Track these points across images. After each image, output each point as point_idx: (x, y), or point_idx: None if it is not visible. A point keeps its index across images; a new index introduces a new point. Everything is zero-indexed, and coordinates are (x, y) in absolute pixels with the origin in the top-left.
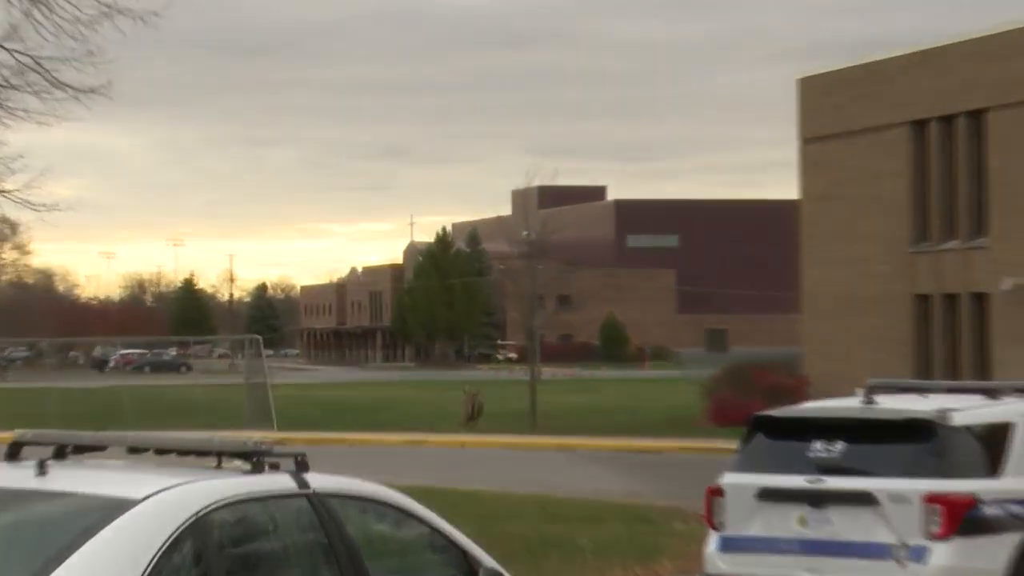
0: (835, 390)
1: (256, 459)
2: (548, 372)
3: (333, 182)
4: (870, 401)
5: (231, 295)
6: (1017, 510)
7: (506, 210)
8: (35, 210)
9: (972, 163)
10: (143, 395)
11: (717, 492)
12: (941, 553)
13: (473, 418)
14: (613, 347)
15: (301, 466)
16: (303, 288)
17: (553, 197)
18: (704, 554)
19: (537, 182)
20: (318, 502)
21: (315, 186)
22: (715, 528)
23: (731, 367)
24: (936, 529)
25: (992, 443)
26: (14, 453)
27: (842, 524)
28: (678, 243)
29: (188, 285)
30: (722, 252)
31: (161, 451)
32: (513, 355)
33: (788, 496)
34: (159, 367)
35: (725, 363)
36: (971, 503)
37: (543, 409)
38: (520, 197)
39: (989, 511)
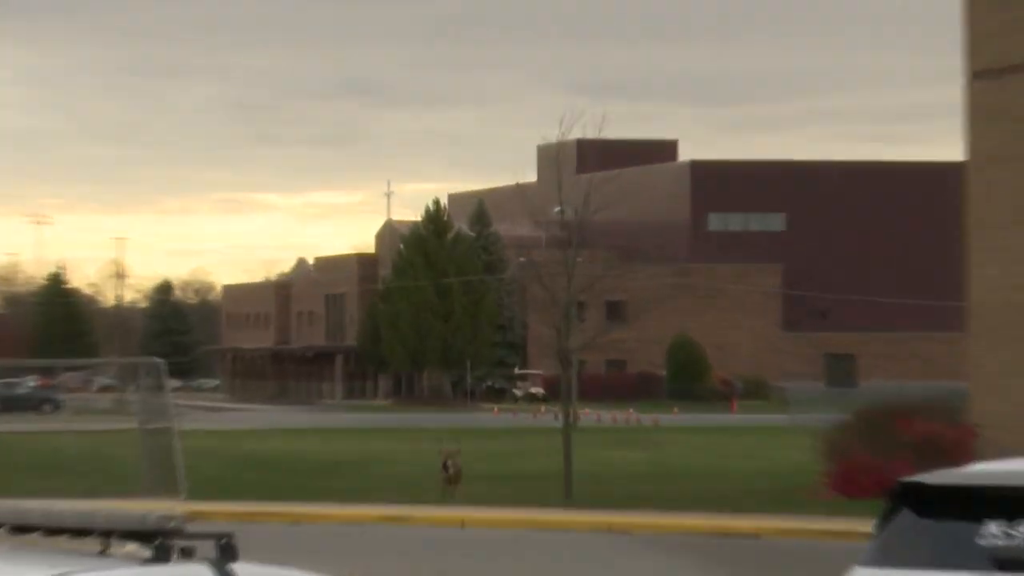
0: (1018, 444)
1: (160, 542)
2: (590, 415)
3: (273, 131)
4: None
5: (119, 298)
6: None
7: (530, 176)
8: None
9: None
10: None
11: None
12: None
13: (452, 483)
14: (687, 379)
15: (226, 552)
16: (227, 289)
17: (600, 157)
18: None
19: (576, 134)
20: None
21: (246, 137)
22: None
23: (862, 410)
24: None
25: None
26: None
27: None
28: (785, 225)
29: (56, 283)
30: (849, 240)
31: (19, 528)
32: (538, 390)
33: None
34: (12, 404)
35: (853, 404)
36: None
37: (583, 470)
38: (551, 157)
39: None
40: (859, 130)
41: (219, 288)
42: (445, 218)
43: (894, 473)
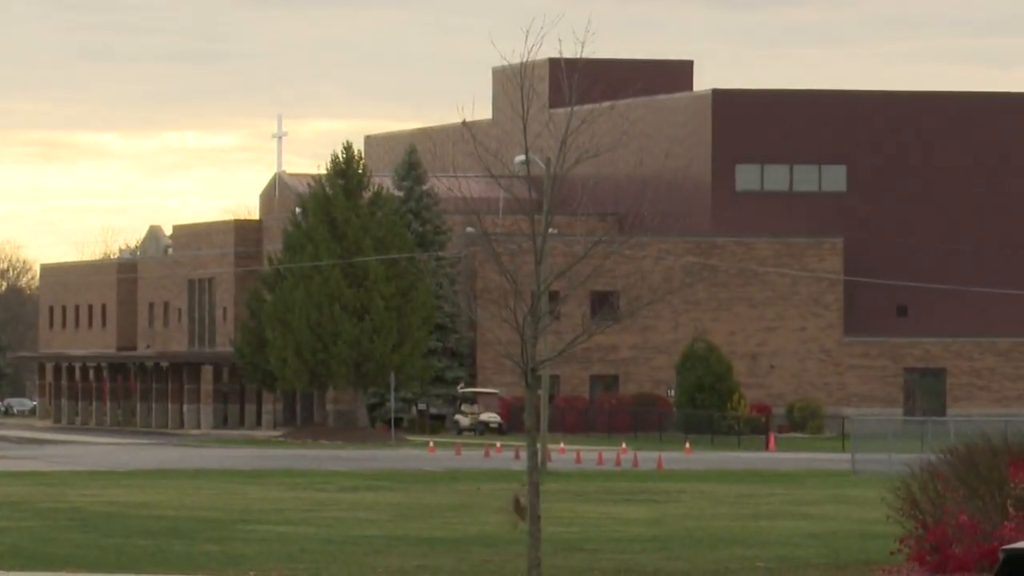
0: None
1: None
2: (566, 454)
3: (110, 42)
4: None
5: None
6: None
7: (483, 111)
8: None
9: None
10: None
11: None
12: None
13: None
14: (705, 403)
15: None
16: (47, 271)
17: (583, 84)
18: None
19: (547, 52)
20: None
21: (71, 50)
22: None
23: (957, 450)
24: None
25: None
26: None
27: None
28: (846, 183)
29: None
30: (942, 204)
31: None
32: (492, 418)
33: None
34: None
35: (944, 441)
36: None
37: (555, 534)
38: (512, 83)
39: None
40: (951, 45)
41: (35, 269)
42: (360, 170)
43: (1001, 539)
